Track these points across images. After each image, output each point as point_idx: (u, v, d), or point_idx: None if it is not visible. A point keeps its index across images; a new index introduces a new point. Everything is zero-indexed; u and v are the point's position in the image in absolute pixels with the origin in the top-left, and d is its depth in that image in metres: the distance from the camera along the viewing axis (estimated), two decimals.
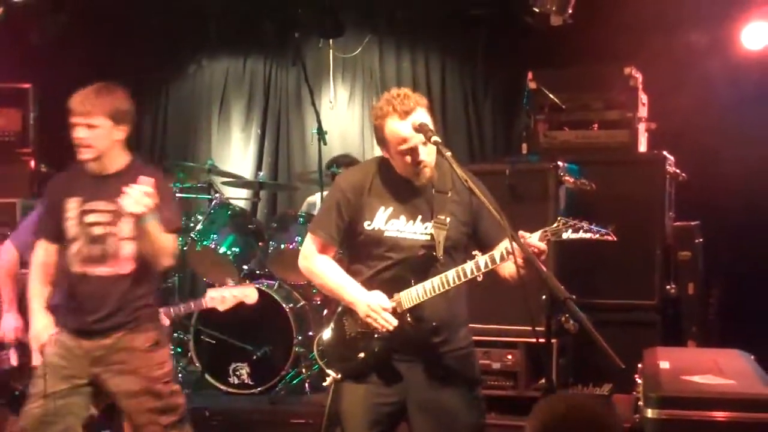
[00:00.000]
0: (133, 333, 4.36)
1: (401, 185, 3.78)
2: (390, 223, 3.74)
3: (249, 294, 5.25)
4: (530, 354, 5.42)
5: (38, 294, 4.52)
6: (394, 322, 3.67)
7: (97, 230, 4.31)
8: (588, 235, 3.53)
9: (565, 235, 3.53)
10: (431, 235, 3.71)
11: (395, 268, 3.74)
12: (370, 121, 8.29)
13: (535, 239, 3.53)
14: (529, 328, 5.36)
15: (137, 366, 4.36)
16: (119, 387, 4.37)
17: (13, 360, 5.10)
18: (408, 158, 3.67)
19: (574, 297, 3.19)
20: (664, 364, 3.90)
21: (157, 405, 4.41)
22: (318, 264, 3.88)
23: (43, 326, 4.45)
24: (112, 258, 4.30)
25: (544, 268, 3.38)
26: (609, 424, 2.58)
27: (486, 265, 3.59)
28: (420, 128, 3.65)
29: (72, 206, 4.35)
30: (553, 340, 5.31)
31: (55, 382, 4.32)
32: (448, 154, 3.61)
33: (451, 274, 3.62)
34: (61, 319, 4.45)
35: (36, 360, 4.52)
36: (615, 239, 3.52)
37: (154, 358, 4.41)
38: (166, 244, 4.24)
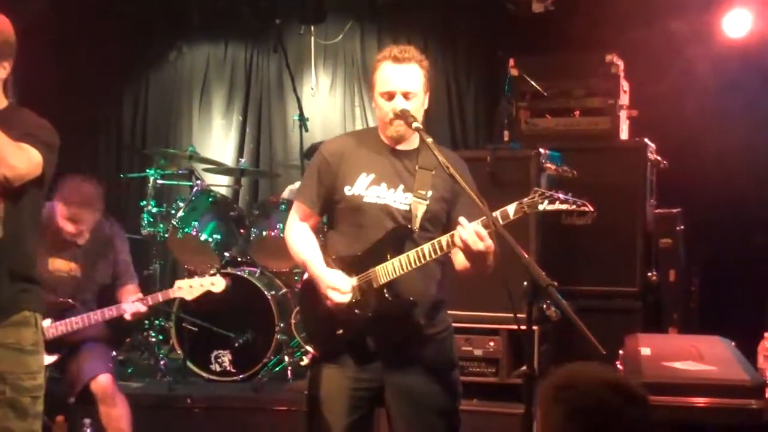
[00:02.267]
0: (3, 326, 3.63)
1: (386, 153, 3.76)
2: (370, 188, 3.72)
3: (216, 283, 5.27)
4: (512, 341, 5.42)
5: None
6: (343, 300, 3.64)
7: None
8: (564, 206, 3.45)
9: (541, 207, 3.45)
10: (410, 206, 3.69)
11: (371, 240, 3.70)
12: (352, 108, 8.44)
13: (511, 211, 3.48)
14: (511, 315, 5.44)
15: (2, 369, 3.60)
16: None
17: None
18: (386, 106, 3.65)
19: (555, 283, 3.19)
20: (645, 351, 3.92)
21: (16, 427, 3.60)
22: (294, 233, 3.88)
23: None
24: None
25: (525, 254, 3.37)
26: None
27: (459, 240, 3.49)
28: (401, 114, 3.65)
29: None
30: (535, 327, 5.32)
31: None
32: (429, 140, 3.59)
33: (426, 247, 3.58)
34: None
35: None
36: (592, 210, 3.46)
37: (28, 364, 3.66)
38: (10, 149, 3.46)
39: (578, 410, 2.34)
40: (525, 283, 4.41)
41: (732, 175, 6.61)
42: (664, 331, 5.83)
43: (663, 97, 6.63)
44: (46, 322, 5.20)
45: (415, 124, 3.61)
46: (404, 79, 3.66)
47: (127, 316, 5.34)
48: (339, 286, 3.65)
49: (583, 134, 6.23)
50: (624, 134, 6.30)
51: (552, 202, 3.46)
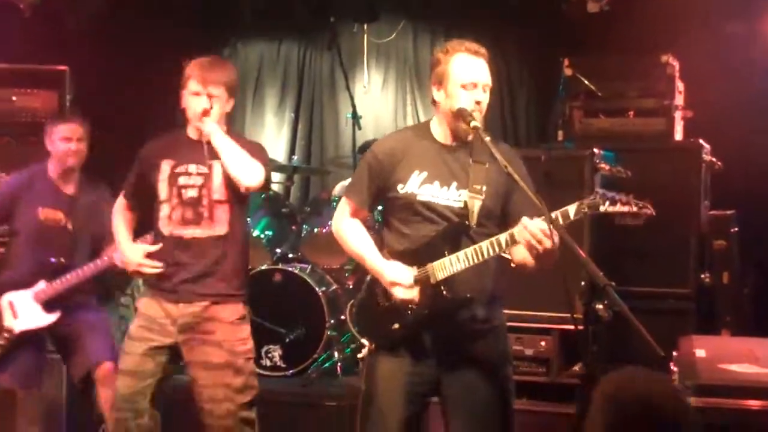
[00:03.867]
0: (220, 304, 4.41)
1: (438, 150, 3.79)
2: (423, 187, 3.74)
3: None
4: (563, 340, 5.42)
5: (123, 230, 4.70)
6: (409, 294, 3.67)
7: (190, 192, 4.38)
8: (626, 208, 3.47)
9: (602, 208, 3.47)
10: (465, 202, 3.70)
11: (427, 236, 3.72)
12: (404, 106, 8.45)
13: (572, 211, 3.50)
14: (562, 314, 5.44)
15: (223, 338, 4.40)
16: (201, 357, 4.41)
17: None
18: (468, 96, 3.68)
19: (613, 284, 3.19)
20: (700, 353, 3.90)
21: (236, 381, 4.42)
22: (346, 228, 3.92)
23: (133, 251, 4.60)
24: (206, 219, 4.37)
25: (583, 253, 3.37)
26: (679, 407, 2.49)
27: (522, 239, 3.51)
28: (459, 113, 3.67)
29: (165, 168, 4.42)
30: (587, 327, 5.31)
31: (143, 357, 4.42)
32: (488, 138, 3.62)
33: (485, 244, 3.60)
34: (152, 282, 4.53)
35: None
36: (653, 213, 3.47)
37: (239, 332, 4.46)
38: (247, 161, 4.31)
39: (620, 423, 2.35)
40: (582, 283, 4.45)
41: None
42: (716, 334, 5.77)
43: (718, 99, 6.55)
44: (41, 285, 5.33)
45: (473, 123, 3.63)
46: (484, 72, 3.73)
47: (118, 263, 5.24)
48: (402, 280, 3.68)
49: (637, 135, 6.19)
50: (678, 135, 6.25)
51: (613, 203, 3.48)
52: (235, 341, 4.43)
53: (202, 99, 4.36)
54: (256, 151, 4.45)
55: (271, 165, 4.65)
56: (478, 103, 3.69)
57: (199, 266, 4.39)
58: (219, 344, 4.39)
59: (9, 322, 5.23)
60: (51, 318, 5.34)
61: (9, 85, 6.68)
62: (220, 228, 4.38)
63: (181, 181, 4.39)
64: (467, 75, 3.70)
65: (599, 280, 3.21)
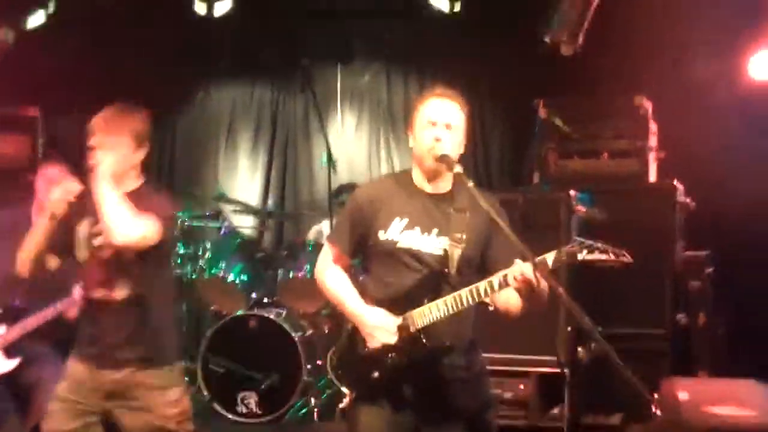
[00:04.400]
0: (145, 370, 4.19)
1: (419, 198, 3.78)
2: (404, 234, 3.72)
3: None
4: (542, 384, 5.41)
5: None
6: (391, 340, 3.64)
7: (103, 254, 4.17)
8: (603, 257, 3.47)
9: (580, 256, 3.46)
10: (445, 250, 3.69)
11: (408, 283, 3.70)
12: (377, 149, 8.45)
13: (550, 259, 3.49)
14: (540, 357, 5.44)
15: (150, 404, 4.18)
16: (130, 424, 4.19)
17: None
18: (428, 134, 3.69)
19: (600, 328, 3.18)
20: (683, 395, 3.89)
21: None
22: (328, 275, 3.88)
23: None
24: (119, 281, 4.16)
25: (567, 299, 3.35)
26: None
27: (500, 285, 3.52)
28: (441, 159, 3.68)
29: (83, 228, 4.23)
30: (564, 371, 5.31)
31: (67, 419, 4.17)
32: (470, 184, 3.61)
33: (464, 292, 3.58)
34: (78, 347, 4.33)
35: None
36: (631, 261, 3.48)
37: (167, 396, 4.23)
38: (120, 215, 4.00)
39: None
40: (569, 328, 4.44)
41: (760, 216, 6.57)
42: (692, 375, 5.78)
43: (691, 139, 6.61)
44: (1, 329, 5.27)
45: (456, 169, 3.64)
46: (448, 112, 3.73)
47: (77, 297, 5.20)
48: (384, 325, 3.66)
49: (611, 176, 6.24)
50: (652, 176, 6.29)
51: (591, 251, 3.48)
52: (163, 405, 4.21)
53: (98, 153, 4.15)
54: (156, 206, 4.17)
55: (171, 222, 4.33)
56: (437, 139, 3.69)
57: (119, 331, 4.18)
58: (148, 409, 4.19)
59: None
60: (11, 364, 5.25)
61: None
62: (134, 288, 4.18)
63: (96, 242, 4.20)
64: (429, 115, 3.73)
65: (585, 325, 3.18)
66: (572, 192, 5.56)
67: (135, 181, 4.25)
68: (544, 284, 3.44)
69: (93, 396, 4.18)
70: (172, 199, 4.38)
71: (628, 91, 6.28)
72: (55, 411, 4.21)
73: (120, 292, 4.15)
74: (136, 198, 4.13)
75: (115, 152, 4.10)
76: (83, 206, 4.20)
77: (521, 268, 3.43)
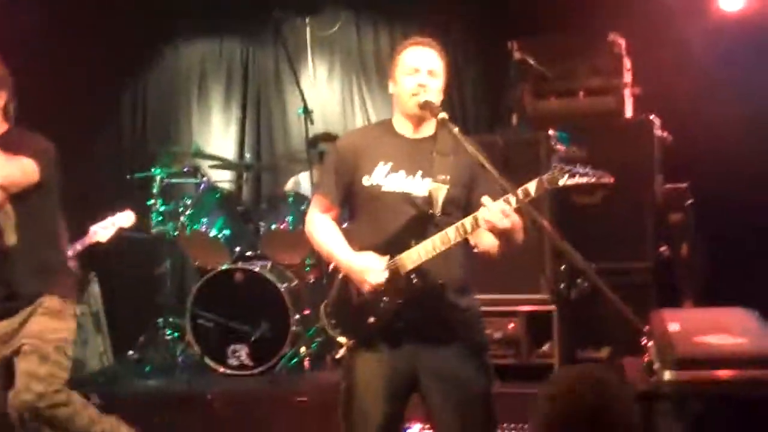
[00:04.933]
0: (39, 297, 4.31)
1: (401, 143, 3.83)
2: (388, 177, 3.77)
3: (124, 217, 5.28)
4: (530, 322, 5.48)
5: None
6: (381, 279, 3.68)
7: None
8: (584, 180, 3.53)
9: (561, 182, 3.52)
10: (430, 192, 3.73)
11: (394, 227, 3.75)
12: (351, 98, 8.43)
13: (532, 188, 3.53)
14: (528, 296, 5.52)
15: (35, 329, 4.29)
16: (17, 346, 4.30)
17: None
18: (411, 81, 3.74)
19: (593, 265, 3.23)
20: (674, 326, 3.95)
21: (41, 370, 4.28)
22: (316, 226, 3.92)
23: None
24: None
25: (558, 236, 3.41)
26: (619, 394, 2.56)
27: (486, 221, 3.54)
28: (425, 106, 3.71)
29: None
30: (552, 308, 5.39)
31: None
32: (456, 129, 3.66)
33: (451, 230, 3.62)
34: None
35: None
36: (612, 180, 3.54)
37: (53, 323, 4.33)
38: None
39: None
40: (563, 267, 4.50)
41: (735, 145, 6.63)
42: (679, 306, 5.87)
43: (664, 73, 6.66)
44: None
45: (441, 115, 3.67)
46: (429, 58, 3.79)
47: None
48: (373, 265, 3.69)
49: (588, 114, 6.28)
50: (629, 112, 6.34)
51: (572, 176, 3.53)
52: (46, 330, 4.31)
53: None
54: (27, 145, 4.22)
55: (47, 157, 4.28)
56: (421, 86, 3.75)
57: (7, 281, 4.30)
58: (30, 334, 4.29)
59: None
60: None
61: None
62: (16, 235, 4.25)
63: None
64: (410, 62, 3.79)
65: (578, 262, 3.24)
66: (551, 131, 5.59)
67: (1, 126, 4.28)
68: (517, 221, 3.51)
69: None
70: (46, 138, 4.35)
71: (602, 29, 6.30)
72: None
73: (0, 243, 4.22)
74: (4, 142, 4.16)
75: None
76: None
77: (491, 205, 3.49)
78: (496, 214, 3.47)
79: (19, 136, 4.25)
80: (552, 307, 5.44)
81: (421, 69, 3.76)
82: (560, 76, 6.33)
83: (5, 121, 4.26)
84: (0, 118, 4.25)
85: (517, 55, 6.34)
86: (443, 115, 3.69)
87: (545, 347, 5.46)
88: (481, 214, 3.52)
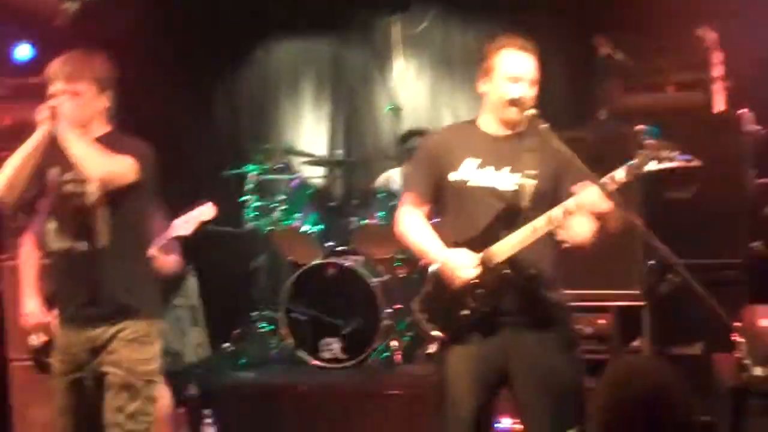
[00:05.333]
0: (123, 322, 4.10)
1: (489, 139, 3.91)
2: (477, 172, 3.85)
3: (205, 211, 5.40)
4: (621, 317, 5.49)
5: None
6: (472, 275, 3.75)
7: (75, 201, 4.08)
8: (672, 164, 3.57)
9: (649, 167, 3.58)
10: (518, 186, 3.80)
11: (483, 221, 3.82)
12: (438, 95, 8.48)
13: (619, 174, 3.60)
14: (619, 291, 5.52)
15: (121, 358, 4.08)
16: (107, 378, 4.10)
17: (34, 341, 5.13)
18: (512, 89, 3.80)
19: (681, 261, 3.25)
20: (765, 322, 3.95)
21: (130, 406, 4.08)
22: (407, 222, 4.01)
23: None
24: (89, 232, 4.06)
25: (647, 231, 3.43)
26: (672, 385, 2.57)
27: (578, 206, 3.62)
28: (515, 102, 3.77)
29: (52, 175, 4.12)
30: (644, 303, 5.39)
31: (66, 392, 4.16)
32: (544, 126, 3.71)
33: (540, 220, 3.69)
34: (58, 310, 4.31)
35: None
36: (700, 163, 3.56)
37: (141, 352, 4.12)
38: (99, 156, 3.93)
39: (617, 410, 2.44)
40: (651, 262, 4.52)
41: None
42: None
43: (759, 66, 6.56)
44: None
45: (530, 112, 3.74)
46: (530, 67, 3.88)
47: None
48: (466, 262, 3.77)
49: (677, 109, 6.24)
50: (720, 106, 6.28)
51: (660, 161, 3.58)
52: (135, 361, 4.10)
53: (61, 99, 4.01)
54: (128, 147, 4.07)
55: (147, 160, 4.13)
56: (521, 96, 3.83)
57: (93, 285, 4.09)
58: (119, 363, 4.08)
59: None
60: None
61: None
62: (105, 239, 4.06)
63: (67, 188, 4.11)
64: (513, 69, 3.84)
65: (666, 256, 3.26)
66: (640, 126, 5.59)
67: (103, 128, 4.17)
68: (611, 205, 3.56)
69: (80, 358, 4.12)
70: (145, 143, 4.19)
71: (691, 23, 6.24)
72: (56, 387, 4.18)
73: (89, 244, 4.06)
74: (106, 143, 4.03)
75: (76, 98, 4.01)
76: (53, 153, 4.04)
77: (584, 190, 3.57)
78: (594, 196, 3.54)
79: (120, 138, 4.16)
80: (643, 303, 5.43)
81: (523, 78, 3.84)
82: (649, 70, 6.31)
83: (108, 122, 4.23)
84: (103, 119, 4.20)
85: (604, 50, 6.33)
86: (532, 111, 3.76)
87: (636, 342, 5.46)
88: (575, 199, 3.59)
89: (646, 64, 6.34)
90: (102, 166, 3.92)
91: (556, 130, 3.81)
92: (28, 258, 5.16)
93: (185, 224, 5.34)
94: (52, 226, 4.14)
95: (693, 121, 6.07)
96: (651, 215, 5.43)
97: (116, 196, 4.02)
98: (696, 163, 3.56)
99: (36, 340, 5.00)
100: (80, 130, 4.00)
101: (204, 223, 5.41)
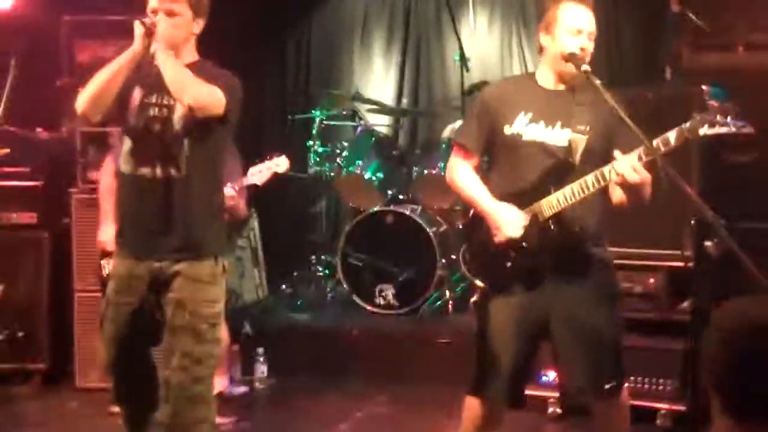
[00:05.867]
0: (189, 261, 4.01)
1: (543, 94, 3.92)
2: (529, 127, 3.86)
3: (280, 163, 5.44)
4: (671, 277, 5.47)
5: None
6: (518, 234, 3.79)
7: (155, 126, 4.00)
8: (725, 129, 3.53)
9: (701, 131, 3.54)
10: (570, 141, 3.81)
11: (534, 175, 3.85)
12: (510, 47, 8.45)
13: (672, 137, 3.58)
14: (670, 251, 5.49)
15: (186, 297, 3.99)
16: (168, 316, 4.03)
17: (106, 269, 5.15)
18: (573, 42, 3.80)
19: (722, 221, 3.24)
20: None
21: (196, 350, 4.00)
22: (457, 173, 4.05)
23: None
24: (168, 159, 3.97)
25: (690, 190, 3.42)
26: None
27: (615, 173, 3.63)
28: (570, 57, 3.78)
29: (136, 96, 4.03)
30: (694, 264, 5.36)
31: (119, 323, 4.07)
32: (598, 82, 3.72)
33: (589, 178, 3.71)
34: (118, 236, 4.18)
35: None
36: (753, 131, 3.52)
37: (206, 293, 4.04)
38: (193, 82, 3.86)
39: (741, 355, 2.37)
40: (692, 221, 4.49)
41: None
42: None
43: None
44: None
45: (584, 67, 3.74)
46: (590, 21, 3.86)
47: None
48: (513, 219, 3.82)
49: (747, 69, 6.13)
50: None
51: (712, 125, 3.55)
52: (200, 302, 4.01)
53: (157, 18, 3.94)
54: (217, 77, 3.99)
55: (237, 98, 4.04)
56: (582, 49, 3.81)
57: (162, 215, 3.99)
58: (183, 303, 3.99)
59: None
60: None
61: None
62: (182, 169, 3.98)
63: (151, 111, 4.02)
64: (573, 22, 3.83)
65: (708, 217, 3.26)
66: (704, 87, 5.51)
67: (192, 55, 4.10)
68: (647, 177, 3.56)
69: (138, 288, 4.04)
70: (234, 76, 4.10)
71: None
72: (105, 316, 4.12)
73: (166, 171, 3.97)
74: (195, 71, 3.96)
75: (173, 18, 3.95)
76: (139, 74, 4.00)
77: (622, 159, 3.56)
78: (627, 168, 3.55)
79: (211, 68, 4.07)
80: (692, 264, 5.40)
81: (583, 30, 3.83)
82: (719, 29, 6.20)
83: (196, 53, 4.14)
84: (193, 47, 4.10)
85: (675, 7, 6.24)
86: (586, 67, 3.76)
87: (685, 304, 5.43)
88: (612, 166, 3.60)
89: (717, 23, 6.22)
90: (195, 92, 3.85)
91: (620, 86, 3.81)
92: (107, 186, 5.18)
93: (260, 173, 5.44)
94: (127, 147, 4.04)
95: (762, 82, 5.97)
96: (709, 178, 5.41)
97: (200, 127, 3.94)
98: (749, 129, 3.51)
99: (108, 268, 5.10)
100: (171, 52, 3.93)
101: (277, 175, 5.51)
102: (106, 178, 5.28)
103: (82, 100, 3.97)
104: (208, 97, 3.88)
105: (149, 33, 3.88)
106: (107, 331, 4.09)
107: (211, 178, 4.12)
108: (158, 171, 3.97)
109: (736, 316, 2.40)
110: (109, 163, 5.28)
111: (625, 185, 3.62)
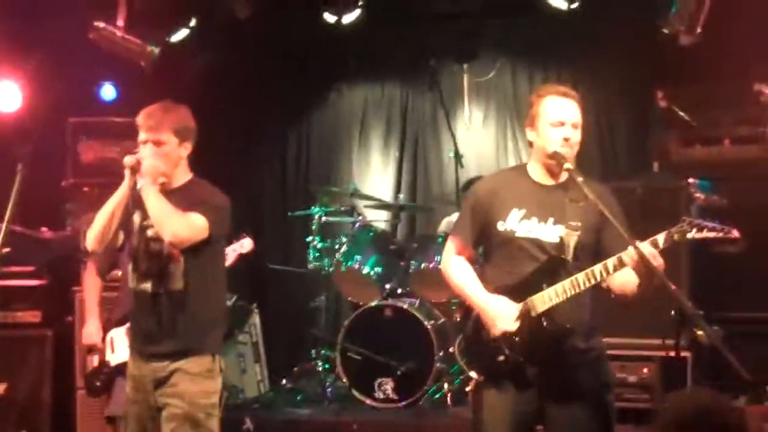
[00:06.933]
0: (187, 357, 4.28)
1: (535, 189, 4.01)
2: (522, 223, 3.94)
3: (244, 244, 5.51)
4: (665, 367, 5.53)
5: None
6: (512, 328, 3.86)
7: (154, 246, 4.29)
8: (712, 234, 3.62)
9: (689, 235, 3.63)
10: (562, 238, 3.89)
11: (527, 270, 3.91)
12: (505, 142, 8.63)
13: (660, 240, 3.67)
14: (663, 341, 5.55)
15: (184, 390, 4.25)
16: (165, 410, 4.27)
17: (95, 361, 5.31)
18: (556, 133, 3.90)
19: (701, 313, 3.32)
20: None
21: None
22: (452, 266, 4.14)
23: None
24: (168, 274, 4.27)
25: (671, 284, 3.52)
26: (729, 406, 2.59)
27: (614, 267, 3.73)
28: (554, 156, 3.89)
29: (137, 217, 4.32)
30: (687, 354, 5.42)
31: (137, 420, 4.35)
32: (580, 179, 3.82)
33: (581, 276, 3.78)
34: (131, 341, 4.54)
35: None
36: (739, 236, 3.60)
37: (203, 385, 4.30)
38: (168, 215, 4.13)
39: None
40: (673, 312, 4.58)
41: None
42: None
43: None
44: None
45: (566, 165, 3.85)
46: (573, 111, 3.96)
47: None
48: (505, 313, 3.89)
49: (733, 162, 6.28)
50: None
51: (700, 230, 3.64)
52: (197, 394, 4.27)
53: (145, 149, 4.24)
54: (206, 197, 4.31)
55: (223, 218, 4.34)
56: (566, 139, 3.91)
57: (165, 324, 4.28)
58: (181, 395, 4.25)
59: (108, 356, 5.24)
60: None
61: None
62: (181, 282, 4.27)
63: (149, 233, 4.31)
64: (556, 115, 3.94)
65: (688, 310, 3.34)
66: (691, 180, 5.65)
67: (184, 176, 4.37)
68: (660, 262, 3.63)
69: (146, 387, 4.31)
70: (223, 192, 4.39)
71: (748, 78, 6.30)
72: (128, 413, 4.40)
73: (166, 286, 4.26)
74: (186, 191, 4.28)
75: (159, 148, 4.21)
76: (137, 199, 4.27)
77: (643, 248, 3.63)
78: (652, 251, 3.64)
79: (199, 188, 4.36)
80: (687, 354, 5.47)
81: (566, 122, 3.93)
82: (705, 124, 6.37)
83: (189, 170, 4.41)
84: (185, 168, 4.37)
85: (662, 103, 6.42)
86: (568, 165, 3.86)
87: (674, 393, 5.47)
88: (630, 252, 3.67)
89: (704, 118, 6.40)
90: (175, 228, 4.13)
91: (613, 180, 3.86)
92: (90, 283, 5.43)
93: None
94: (131, 265, 4.37)
95: (748, 174, 6.11)
96: (699, 270, 5.53)
97: (191, 247, 4.22)
98: (735, 234, 3.61)
99: (94, 362, 5.25)
100: (163, 179, 4.23)
101: (242, 256, 5.60)
102: (89, 278, 5.47)
103: (90, 240, 4.31)
104: (188, 230, 4.17)
105: (134, 170, 4.19)
106: (131, 428, 4.37)
107: (209, 288, 4.38)
108: (158, 286, 4.27)
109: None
110: (90, 264, 5.47)
111: (640, 270, 3.68)
